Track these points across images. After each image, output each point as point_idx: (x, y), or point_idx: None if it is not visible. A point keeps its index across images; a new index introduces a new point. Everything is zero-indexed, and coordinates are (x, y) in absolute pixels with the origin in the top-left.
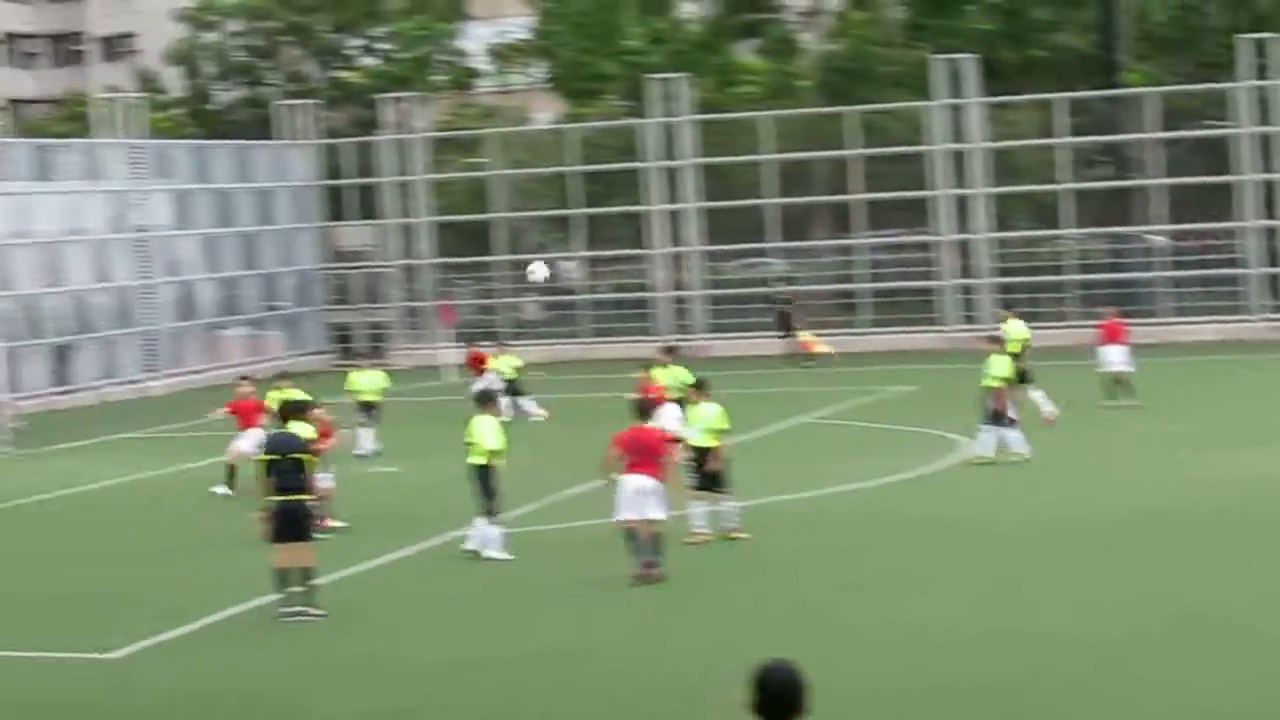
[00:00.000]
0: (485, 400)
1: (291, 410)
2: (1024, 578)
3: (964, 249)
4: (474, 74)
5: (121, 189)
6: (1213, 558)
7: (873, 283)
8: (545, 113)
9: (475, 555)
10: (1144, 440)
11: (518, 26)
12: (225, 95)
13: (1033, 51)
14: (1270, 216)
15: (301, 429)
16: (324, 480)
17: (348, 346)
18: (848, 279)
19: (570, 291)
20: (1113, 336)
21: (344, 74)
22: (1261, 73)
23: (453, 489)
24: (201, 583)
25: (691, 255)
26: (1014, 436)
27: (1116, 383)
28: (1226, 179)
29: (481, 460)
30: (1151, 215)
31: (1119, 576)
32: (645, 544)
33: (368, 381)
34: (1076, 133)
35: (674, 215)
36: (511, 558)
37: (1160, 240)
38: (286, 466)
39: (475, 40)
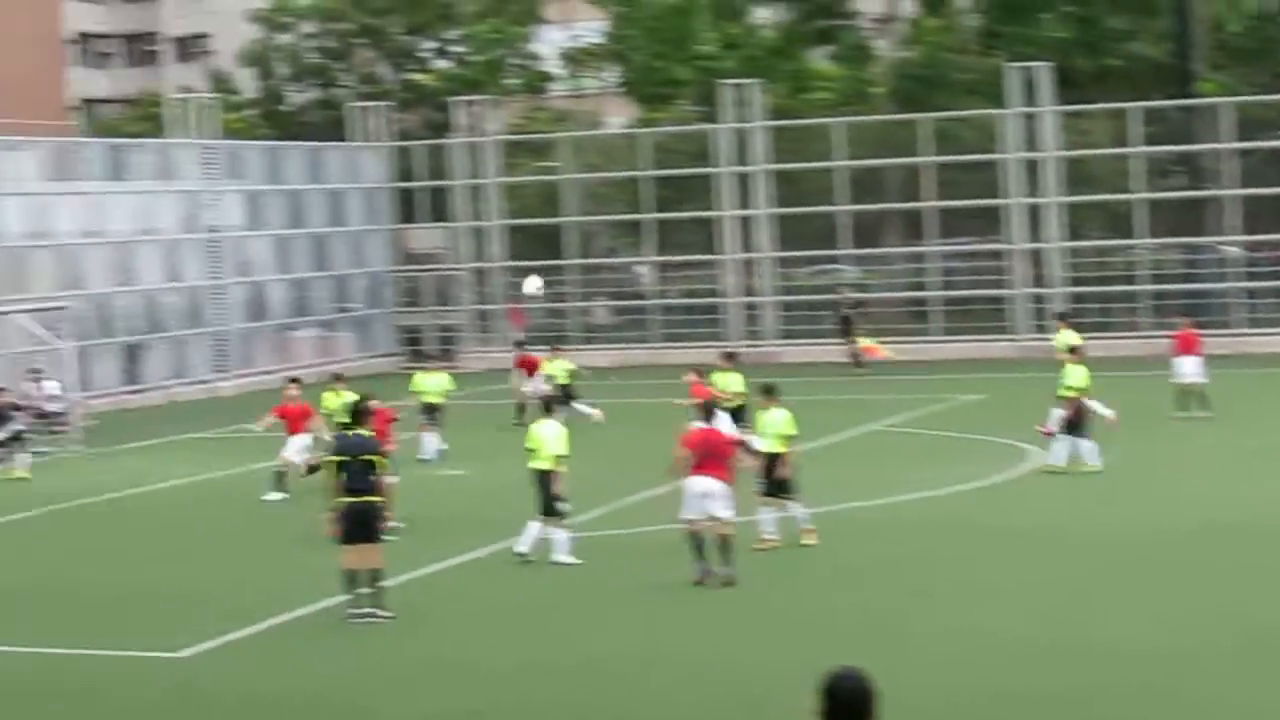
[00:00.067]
0: (547, 405)
1: (361, 413)
2: (1094, 587)
3: (1036, 258)
4: (547, 78)
5: (194, 189)
6: None
7: (944, 290)
8: (618, 117)
9: (524, 559)
10: (1216, 452)
11: (591, 30)
12: (298, 96)
13: (1108, 60)
14: None
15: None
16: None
17: (418, 349)
18: (919, 287)
19: (641, 296)
20: (1187, 348)
21: (417, 76)
22: None
23: (520, 492)
24: (269, 583)
25: (762, 261)
26: (1087, 447)
27: (1189, 394)
28: None
29: (545, 465)
30: (1225, 226)
31: (1189, 588)
32: (715, 547)
33: (433, 384)
34: (1151, 142)
35: (745, 221)
36: (580, 562)
37: (1234, 251)
38: (357, 468)
39: (548, 44)
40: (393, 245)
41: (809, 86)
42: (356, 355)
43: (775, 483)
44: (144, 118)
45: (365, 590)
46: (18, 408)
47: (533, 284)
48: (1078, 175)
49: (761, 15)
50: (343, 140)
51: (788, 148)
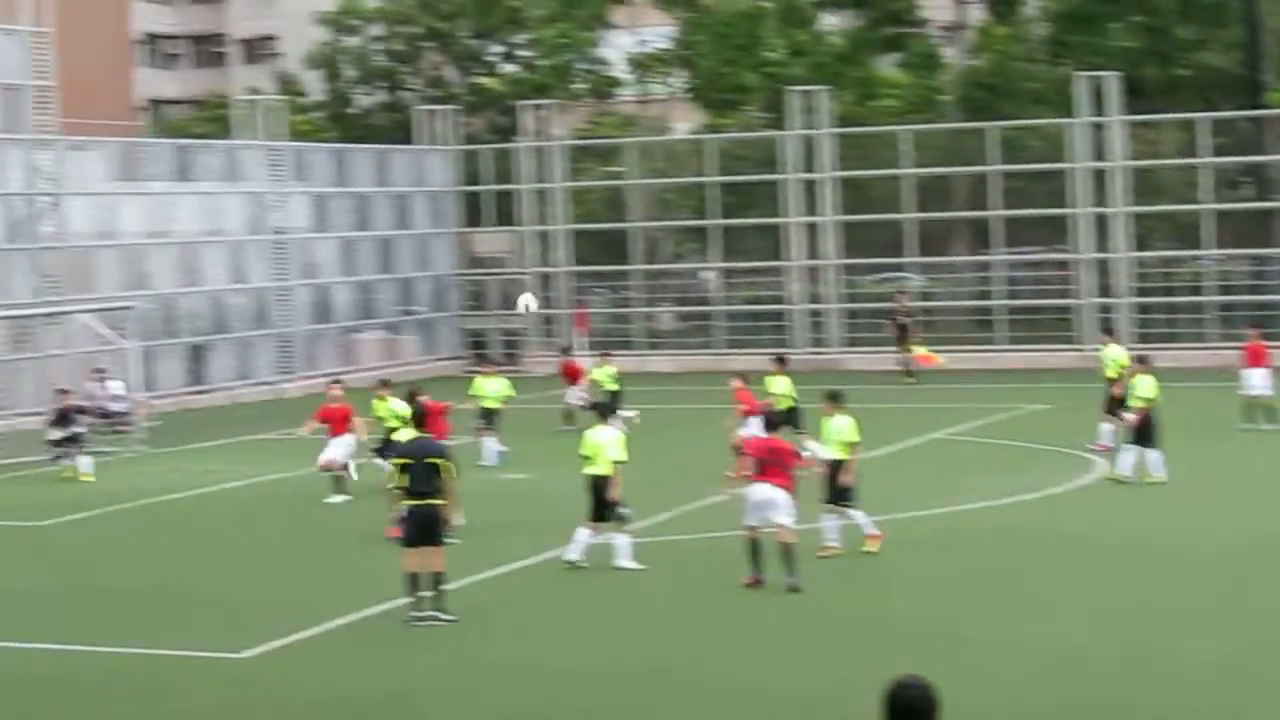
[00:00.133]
0: (601, 411)
1: (422, 416)
2: (1158, 598)
3: (1103, 268)
4: (614, 83)
5: (260, 191)
6: None
7: (1010, 300)
8: (684, 123)
9: (574, 566)
10: None
11: (659, 36)
12: (365, 99)
13: (1176, 70)
14: None
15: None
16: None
17: (482, 353)
18: (985, 295)
19: (705, 302)
20: (1255, 360)
21: (484, 80)
22: None
23: (581, 497)
24: (331, 584)
25: (828, 268)
26: (1154, 458)
27: (1256, 406)
28: None
29: (602, 471)
30: None
31: (1252, 600)
32: (778, 555)
33: (492, 389)
34: (1219, 153)
35: (811, 228)
36: (643, 567)
37: None
38: (421, 471)
39: (616, 49)
40: (458, 249)
41: (876, 94)
42: (420, 358)
43: (838, 490)
44: (211, 119)
45: (427, 593)
46: (82, 410)
47: (524, 303)
48: (1145, 185)
49: (830, 22)
50: (409, 143)
51: (854, 155)
